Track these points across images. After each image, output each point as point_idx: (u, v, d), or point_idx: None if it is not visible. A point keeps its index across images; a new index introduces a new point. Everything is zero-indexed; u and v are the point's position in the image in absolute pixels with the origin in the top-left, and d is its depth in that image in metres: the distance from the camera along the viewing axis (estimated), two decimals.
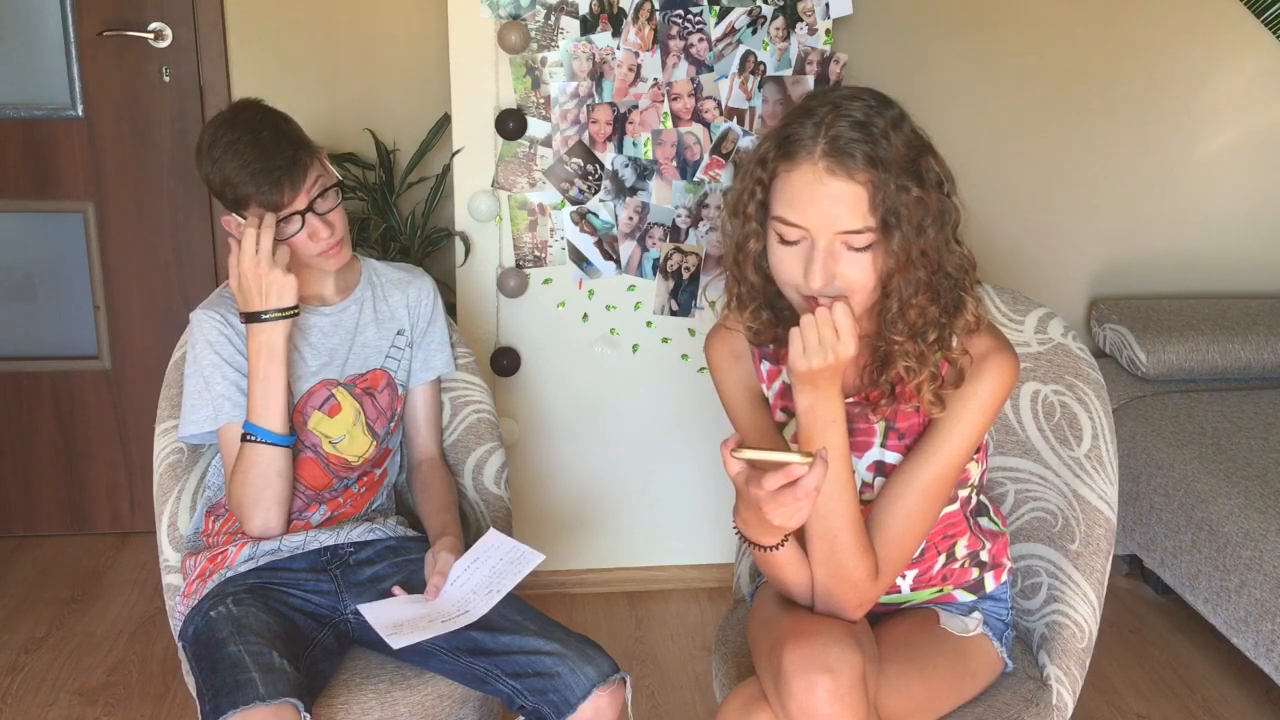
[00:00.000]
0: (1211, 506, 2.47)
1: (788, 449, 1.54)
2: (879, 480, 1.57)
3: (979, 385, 1.49)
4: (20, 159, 2.95)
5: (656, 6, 2.54)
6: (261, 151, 1.71)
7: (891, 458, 1.57)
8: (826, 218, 1.38)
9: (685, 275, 2.70)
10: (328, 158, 1.84)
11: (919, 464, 1.51)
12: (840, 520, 1.46)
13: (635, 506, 2.88)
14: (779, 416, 1.63)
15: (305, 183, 1.75)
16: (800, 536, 1.50)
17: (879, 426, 1.57)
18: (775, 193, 1.42)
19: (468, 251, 2.64)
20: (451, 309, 2.59)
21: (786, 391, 1.58)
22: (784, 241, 1.42)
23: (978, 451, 1.61)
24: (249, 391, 1.76)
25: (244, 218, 1.76)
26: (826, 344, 1.38)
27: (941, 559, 1.65)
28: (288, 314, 1.74)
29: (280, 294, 1.73)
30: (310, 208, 1.76)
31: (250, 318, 1.74)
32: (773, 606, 1.60)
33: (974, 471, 1.63)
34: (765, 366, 1.63)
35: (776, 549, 1.47)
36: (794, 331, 1.41)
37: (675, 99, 2.60)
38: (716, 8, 2.56)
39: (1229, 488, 2.47)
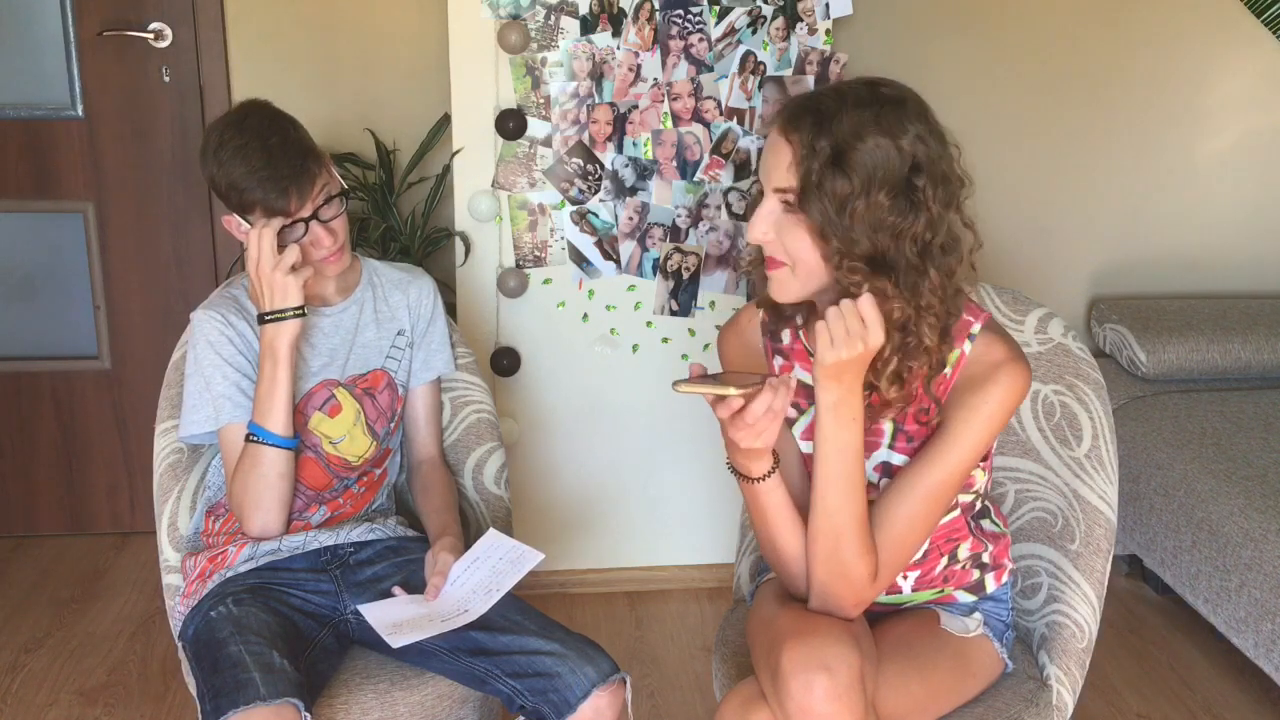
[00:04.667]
0: (1211, 506, 2.47)
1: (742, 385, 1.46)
2: (884, 481, 1.57)
3: (990, 393, 1.49)
4: (20, 159, 2.95)
5: (656, 6, 2.54)
6: (270, 158, 1.70)
7: (899, 459, 1.57)
8: (766, 168, 1.45)
9: (685, 275, 2.70)
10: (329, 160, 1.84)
11: (924, 467, 1.51)
12: (846, 519, 1.46)
13: (635, 506, 2.88)
14: (789, 412, 1.63)
15: (312, 191, 1.74)
16: (802, 509, 1.51)
17: (887, 428, 1.57)
18: None
19: (468, 251, 2.64)
20: (451, 309, 2.59)
21: (797, 387, 1.58)
22: None
23: (984, 459, 1.61)
24: (255, 392, 1.77)
25: (246, 220, 1.76)
26: (854, 333, 1.38)
27: (944, 561, 1.65)
28: (293, 315, 1.74)
29: (284, 295, 1.73)
30: (314, 215, 1.76)
31: (259, 319, 1.75)
32: (772, 605, 1.59)
33: (979, 478, 1.63)
34: (778, 361, 1.63)
35: (762, 481, 1.48)
36: (820, 325, 1.40)
37: (675, 99, 2.60)
38: (716, 8, 2.56)
39: (1229, 488, 2.47)
